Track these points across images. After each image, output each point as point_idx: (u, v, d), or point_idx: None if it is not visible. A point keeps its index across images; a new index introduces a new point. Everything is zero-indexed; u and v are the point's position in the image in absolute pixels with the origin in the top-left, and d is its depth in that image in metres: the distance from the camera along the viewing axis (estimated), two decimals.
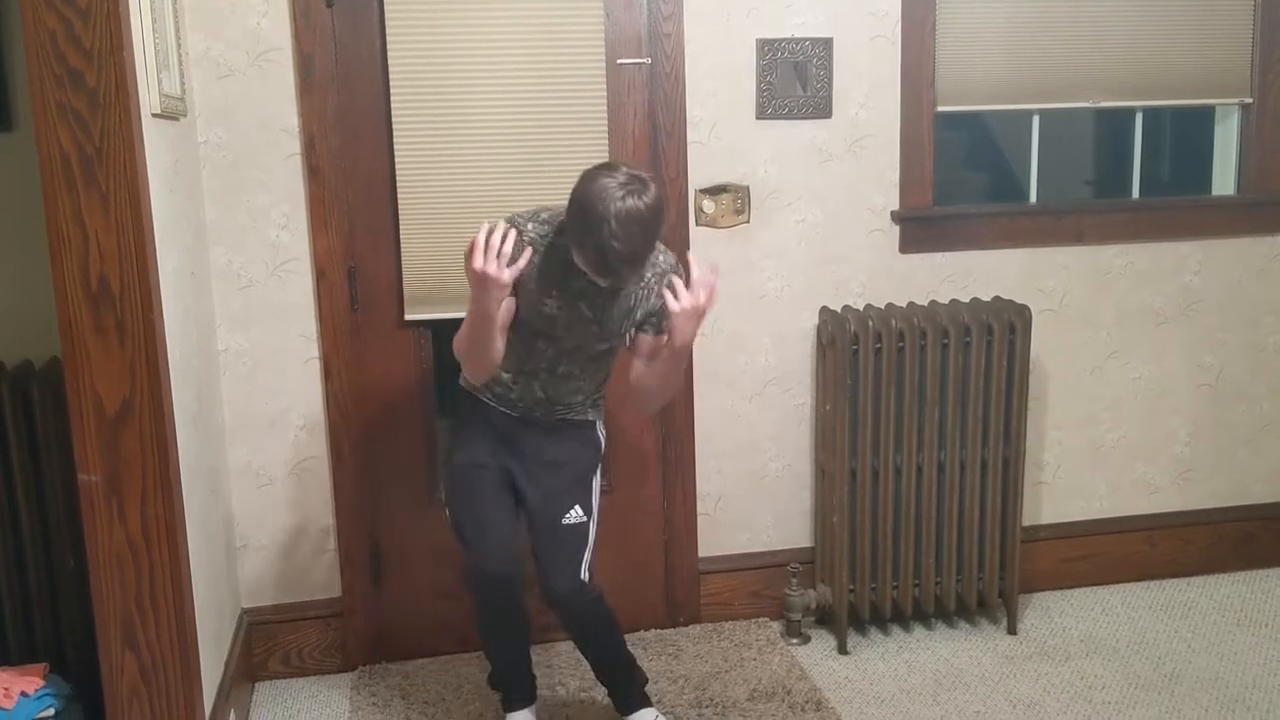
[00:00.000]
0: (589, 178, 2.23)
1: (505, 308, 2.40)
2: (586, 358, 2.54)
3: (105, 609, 2.21)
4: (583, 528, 2.59)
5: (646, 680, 2.83)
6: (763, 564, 3.37)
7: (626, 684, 2.78)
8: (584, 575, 2.59)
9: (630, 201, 2.18)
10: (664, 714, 2.80)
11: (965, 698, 2.95)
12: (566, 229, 2.30)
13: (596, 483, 2.66)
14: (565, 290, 2.42)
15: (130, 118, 2.07)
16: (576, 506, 2.59)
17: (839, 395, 3.11)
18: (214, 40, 2.85)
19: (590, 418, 2.64)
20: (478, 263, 2.27)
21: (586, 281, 2.36)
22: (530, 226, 2.40)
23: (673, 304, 2.33)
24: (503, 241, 2.29)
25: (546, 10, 2.96)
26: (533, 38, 2.98)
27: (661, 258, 2.48)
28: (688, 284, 2.34)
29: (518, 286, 2.39)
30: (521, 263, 2.33)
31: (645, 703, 2.79)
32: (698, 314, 2.36)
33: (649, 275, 2.45)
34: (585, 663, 2.84)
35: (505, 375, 2.54)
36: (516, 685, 2.79)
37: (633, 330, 2.51)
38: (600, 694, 2.90)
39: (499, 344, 2.43)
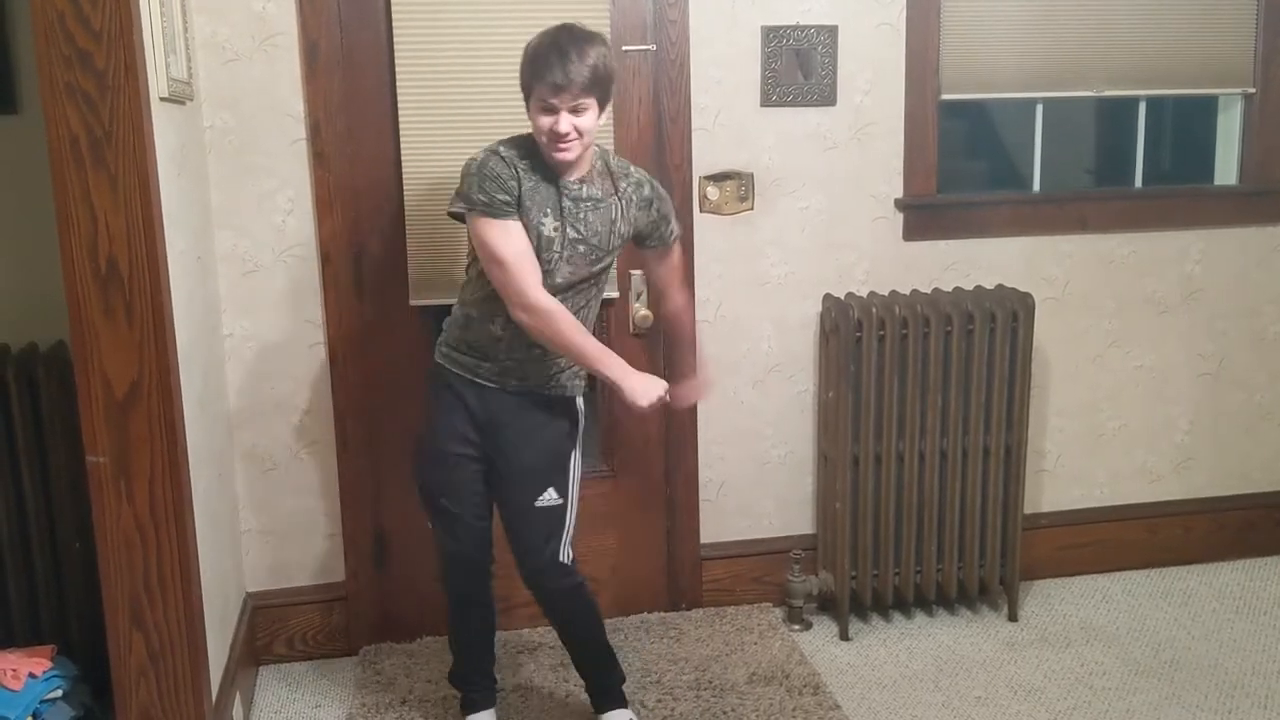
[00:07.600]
0: None
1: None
2: (578, 288, 2.47)
3: (113, 590, 2.22)
4: (558, 510, 2.53)
5: (624, 679, 2.75)
6: (765, 550, 3.38)
7: (603, 679, 2.72)
8: (563, 557, 2.55)
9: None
10: (665, 694, 2.80)
11: (966, 683, 2.97)
12: (523, 84, 2.36)
13: (575, 463, 2.57)
14: (556, 209, 2.40)
15: (140, 100, 2.07)
16: (550, 489, 2.52)
17: (842, 382, 3.12)
18: (220, 24, 2.85)
19: (570, 392, 2.56)
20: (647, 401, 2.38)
21: (570, 199, 2.40)
22: (502, 149, 2.39)
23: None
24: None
25: None
26: (538, 23, 2.95)
27: (633, 169, 2.53)
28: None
29: (521, 210, 2.39)
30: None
31: (620, 703, 2.72)
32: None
33: (623, 185, 2.48)
34: (558, 657, 2.83)
35: (495, 326, 2.44)
36: (479, 686, 2.75)
37: (619, 244, 2.51)
38: (575, 687, 2.91)
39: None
